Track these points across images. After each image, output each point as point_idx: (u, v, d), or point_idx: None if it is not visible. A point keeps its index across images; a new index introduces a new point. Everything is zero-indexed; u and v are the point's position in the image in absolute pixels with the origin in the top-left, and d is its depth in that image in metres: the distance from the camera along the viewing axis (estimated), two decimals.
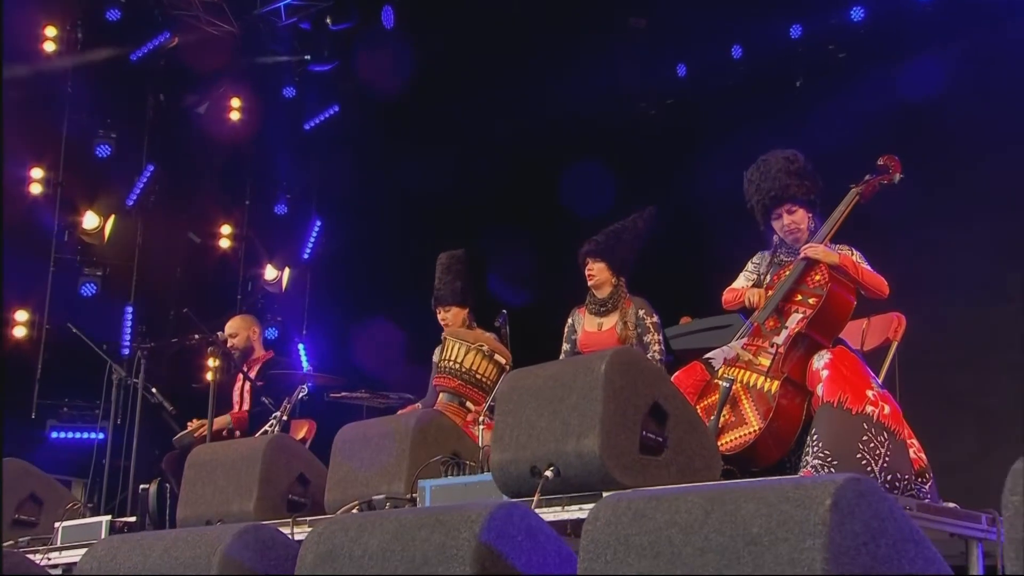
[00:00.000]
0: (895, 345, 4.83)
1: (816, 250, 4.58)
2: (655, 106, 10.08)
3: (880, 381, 4.48)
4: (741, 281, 4.94)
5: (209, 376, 7.57)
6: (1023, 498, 1.88)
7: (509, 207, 10.06)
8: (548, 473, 3.59)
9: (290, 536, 3.68)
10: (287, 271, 10.74)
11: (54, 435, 9.34)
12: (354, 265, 10.60)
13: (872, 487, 2.20)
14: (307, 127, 11.00)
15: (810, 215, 4.77)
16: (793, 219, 4.74)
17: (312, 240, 11.00)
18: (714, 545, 2.22)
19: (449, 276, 6.38)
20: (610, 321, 5.97)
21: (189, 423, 6.94)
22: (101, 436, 8.06)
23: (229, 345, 7.10)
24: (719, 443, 4.26)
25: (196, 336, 6.86)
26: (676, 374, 4.62)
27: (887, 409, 4.16)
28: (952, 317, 7.55)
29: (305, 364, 10.51)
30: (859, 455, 4.01)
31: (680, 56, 9.86)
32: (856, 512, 2.14)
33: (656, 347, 5.86)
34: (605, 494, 3.24)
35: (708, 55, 9.68)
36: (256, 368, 7.11)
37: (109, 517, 5.37)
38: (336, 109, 10.90)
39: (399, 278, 9.32)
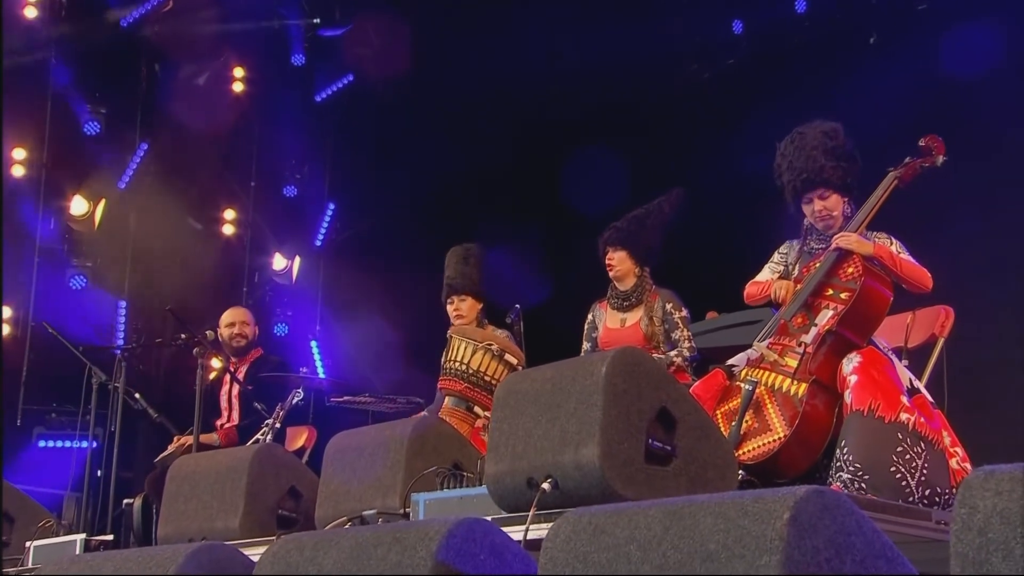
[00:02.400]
0: (942, 341, 4.93)
1: (849, 239, 4.66)
2: (707, 69, 10.06)
3: (923, 382, 4.59)
4: (766, 273, 5.03)
5: (211, 377, 7.72)
6: (970, 511, 2.01)
7: (530, 189, 10.14)
8: (545, 485, 3.70)
9: None
10: (297, 260, 10.87)
11: (41, 444, 9.56)
12: (372, 253, 10.71)
13: (838, 500, 2.33)
14: (318, 99, 11.11)
15: (845, 200, 4.84)
16: (825, 205, 4.83)
17: (325, 225, 11.13)
18: (671, 562, 2.36)
19: (467, 267, 6.57)
20: (634, 316, 6.13)
21: (175, 438, 7.13)
22: (94, 445, 8.22)
23: (238, 334, 7.27)
24: (741, 451, 4.39)
25: (183, 336, 7.02)
26: (695, 386, 4.74)
27: (922, 416, 4.24)
28: (1006, 311, 7.51)
29: (319, 363, 10.67)
30: (893, 468, 4.12)
31: (736, 10, 9.82)
32: (819, 527, 2.26)
33: (686, 344, 6.03)
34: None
35: (769, 8, 9.62)
36: (243, 369, 7.27)
37: (84, 535, 5.58)
38: (350, 79, 10.99)
39: (422, 266, 9.29)
